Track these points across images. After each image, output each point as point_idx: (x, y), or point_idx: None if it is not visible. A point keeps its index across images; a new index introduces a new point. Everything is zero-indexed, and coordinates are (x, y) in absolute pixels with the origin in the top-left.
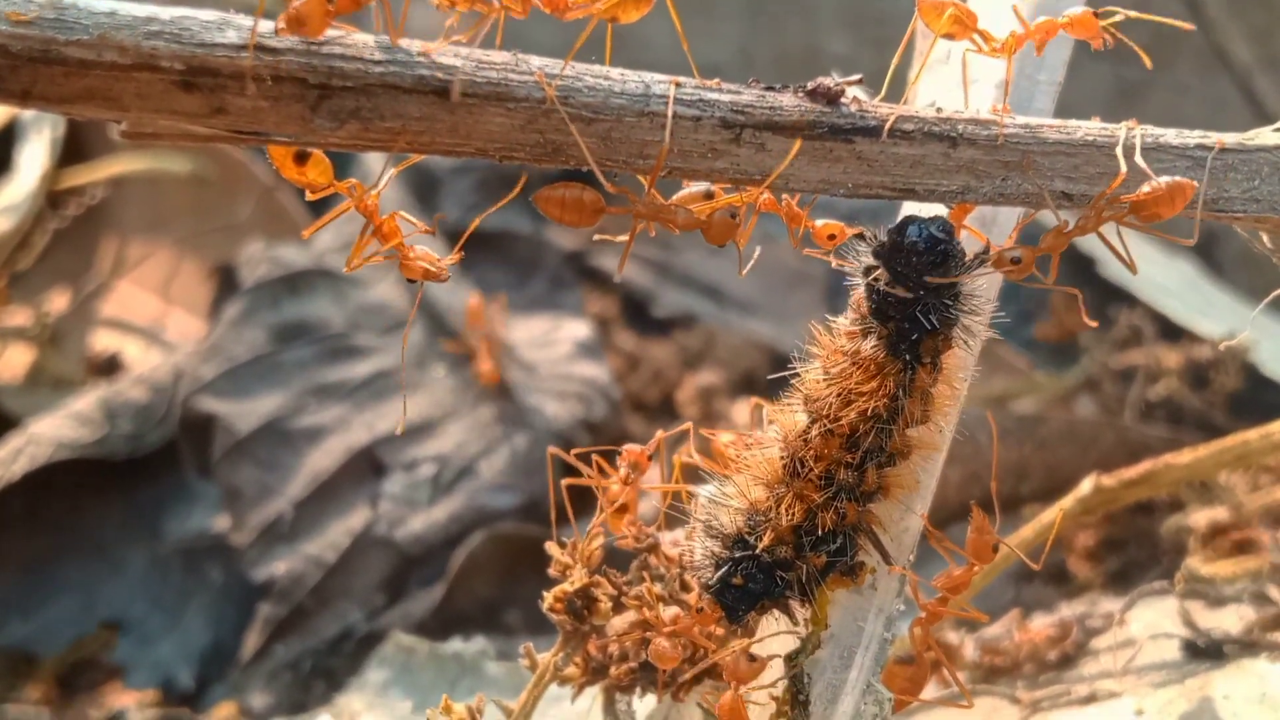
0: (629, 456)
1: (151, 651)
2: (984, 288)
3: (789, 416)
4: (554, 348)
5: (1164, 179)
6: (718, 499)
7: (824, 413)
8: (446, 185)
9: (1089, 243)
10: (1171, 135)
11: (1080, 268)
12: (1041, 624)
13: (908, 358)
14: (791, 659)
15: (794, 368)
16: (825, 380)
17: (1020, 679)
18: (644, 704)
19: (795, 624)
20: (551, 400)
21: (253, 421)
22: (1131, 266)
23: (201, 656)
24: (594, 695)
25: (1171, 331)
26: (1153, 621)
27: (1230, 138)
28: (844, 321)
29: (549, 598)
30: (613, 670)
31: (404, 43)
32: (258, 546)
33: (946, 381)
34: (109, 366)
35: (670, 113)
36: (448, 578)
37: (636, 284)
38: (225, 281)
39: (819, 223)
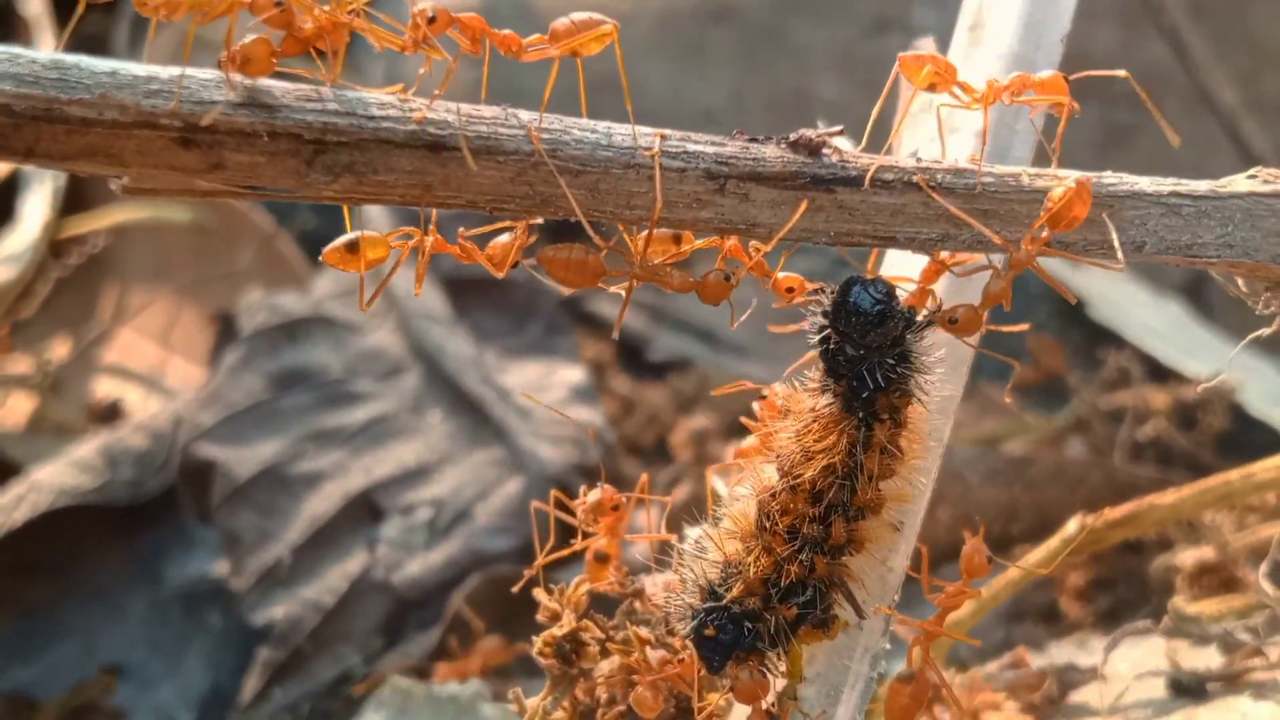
0: (603, 496)
1: (152, 695)
2: (931, 347)
3: (761, 471)
4: (549, 392)
5: (1058, 188)
6: (695, 552)
7: (788, 468)
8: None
9: (1078, 283)
10: (1146, 183)
11: (1070, 310)
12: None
13: (862, 414)
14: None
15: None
16: (793, 436)
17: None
18: None
19: (774, 675)
20: (546, 444)
21: (251, 467)
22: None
23: (201, 700)
24: None
25: (1160, 373)
26: (1139, 660)
27: (1203, 185)
28: (810, 378)
29: (538, 642)
30: (599, 713)
31: (397, 98)
32: (256, 591)
33: (912, 436)
34: (110, 414)
35: (658, 168)
36: (444, 621)
37: (631, 329)
38: (225, 329)
39: (780, 275)
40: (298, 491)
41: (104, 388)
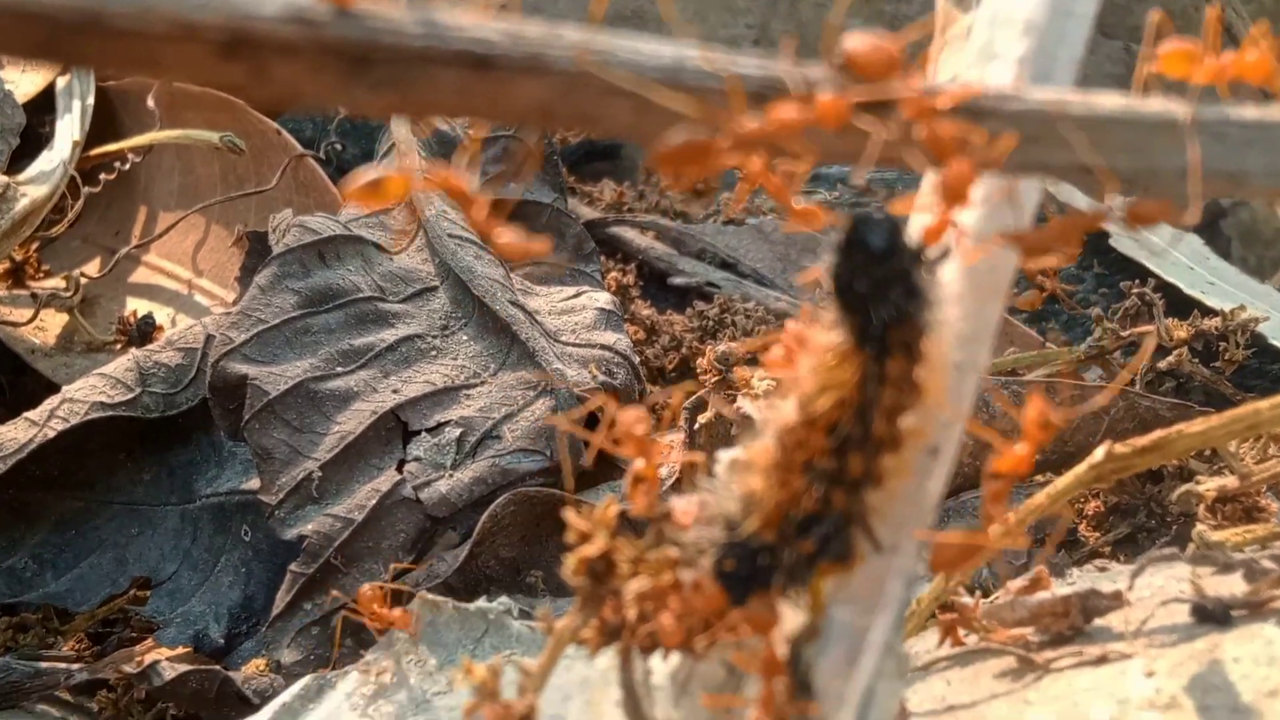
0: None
1: (182, 607)
2: (940, 281)
3: (781, 406)
4: (575, 315)
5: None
6: (718, 483)
7: (804, 402)
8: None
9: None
10: (1190, 108)
11: (1094, 241)
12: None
13: (873, 349)
14: (792, 644)
15: None
16: (809, 370)
17: (1032, 640)
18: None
19: (797, 608)
20: (573, 366)
21: (282, 385)
22: None
23: (231, 612)
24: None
25: (1181, 304)
26: (1162, 586)
27: (1250, 112)
28: (827, 312)
29: (571, 562)
30: (630, 632)
31: (443, 14)
32: (287, 506)
33: (930, 369)
34: (140, 331)
35: (733, 83)
36: (472, 539)
37: (654, 255)
38: (255, 248)
39: (799, 204)
40: (328, 409)
41: (134, 305)
